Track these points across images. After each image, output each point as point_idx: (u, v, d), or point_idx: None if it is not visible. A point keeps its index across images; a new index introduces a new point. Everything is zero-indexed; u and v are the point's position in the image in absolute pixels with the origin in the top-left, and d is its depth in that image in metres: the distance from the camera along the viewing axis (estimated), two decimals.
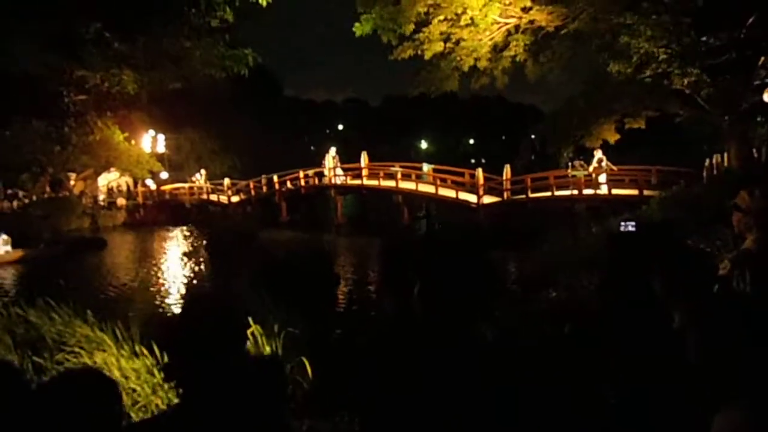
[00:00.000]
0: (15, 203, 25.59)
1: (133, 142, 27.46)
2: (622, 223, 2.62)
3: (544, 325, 4.40)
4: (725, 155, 13.80)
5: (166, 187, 31.28)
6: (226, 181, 28.90)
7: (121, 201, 29.56)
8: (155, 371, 5.24)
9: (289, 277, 10.44)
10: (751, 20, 3.16)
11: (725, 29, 4.11)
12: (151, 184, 30.88)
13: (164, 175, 30.92)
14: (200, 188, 30.16)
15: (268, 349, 5.68)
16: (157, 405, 4.80)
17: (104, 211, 28.30)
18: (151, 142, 30.62)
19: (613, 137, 14.00)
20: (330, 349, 6.38)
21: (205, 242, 19.25)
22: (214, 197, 29.34)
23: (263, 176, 26.73)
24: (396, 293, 2.02)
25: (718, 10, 3.06)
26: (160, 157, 30.24)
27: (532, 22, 13.14)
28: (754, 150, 12.49)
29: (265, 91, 41.60)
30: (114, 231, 25.98)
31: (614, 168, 17.57)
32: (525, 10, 12.76)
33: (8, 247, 17.94)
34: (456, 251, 1.62)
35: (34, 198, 25.76)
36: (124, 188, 30.66)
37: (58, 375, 1.55)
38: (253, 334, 5.65)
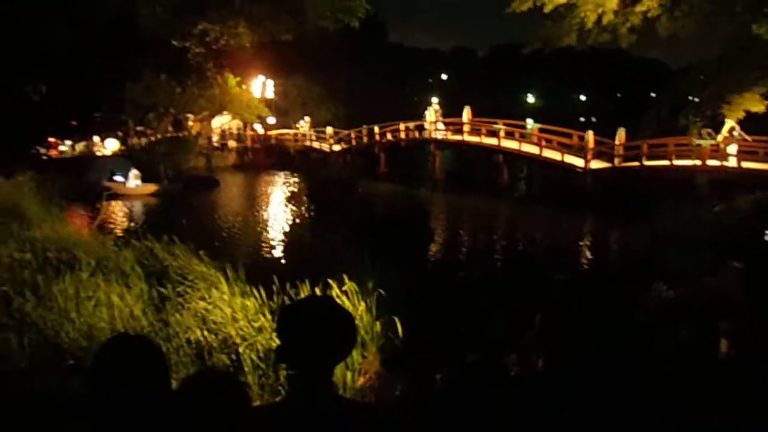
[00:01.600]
0: (143, 140, 28.03)
1: (244, 86, 28.66)
2: (767, 232, 2.34)
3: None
4: None
5: (273, 132, 32.60)
6: (329, 129, 29.54)
7: (232, 143, 31.33)
8: (261, 312, 5.67)
9: (386, 232, 10.67)
10: None
11: None
12: (259, 128, 32.33)
13: (271, 120, 32.16)
14: (304, 135, 31.14)
15: (363, 306, 5.90)
16: (262, 344, 5.20)
17: (217, 152, 30.16)
18: (261, 87, 31.78)
19: (757, 107, 12.33)
20: (421, 309, 6.52)
21: (307, 189, 20.10)
22: (316, 145, 30.22)
23: (364, 126, 27.00)
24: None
25: None
26: (268, 103, 31.38)
27: None
28: None
29: (369, 38, 41.31)
30: (225, 171, 27.72)
31: (748, 138, 15.66)
32: None
33: (139, 182, 19.89)
34: None
35: (159, 136, 27.97)
36: (235, 131, 32.37)
37: (198, 374, 1.70)
38: (347, 291, 5.90)
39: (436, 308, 6.67)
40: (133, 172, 19.81)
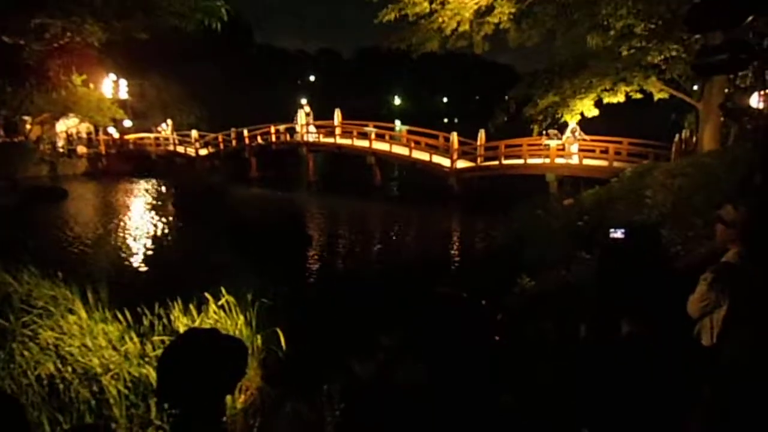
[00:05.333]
0: None
1: (92, 86, 26.01)
2: (612, 230, 2.64)
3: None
4: (693, 133, 14.11)
5: (130, 137, 30.13)
6: (194, 132, 28.02)
7: (81, 149, 28.39)
8: (127, 337, 5.18)
9: (262, 240, 10.38)
10: (748, 21, 3.15)
11: (721, 29, 4.11)
12: (114, 132, 29.68)
13: (127, 123, 29.70)
14: (166, 139, 29.18)
15: (242, 319, 5.66)
16: (129, 372, 4.75)
17: (63, 159, 27.19)
18: (113, 87, 29.18)
19: (590, 112, 14.07)
20: (304, 319, 6.42)
21: (172, 197, 18.82)
22: (180, 149, 28.48)
23: (233, 130, 26.03)
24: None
25: (714, 8, 3.03)
26: (122, 104, 28.91)
27: None
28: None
29: (234, 38, 39.85)
30: (75, 180, 25.07)
31: (586, 138, 17.75)
32: None
33: None
34: None
35: None
36: (85, 135, 29.37)
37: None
38: (224, 305, 5.63)
39: (318, 316, 6.62)
40: None
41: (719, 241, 2.75)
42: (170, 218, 16.77)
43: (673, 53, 12.14)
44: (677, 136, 15.51)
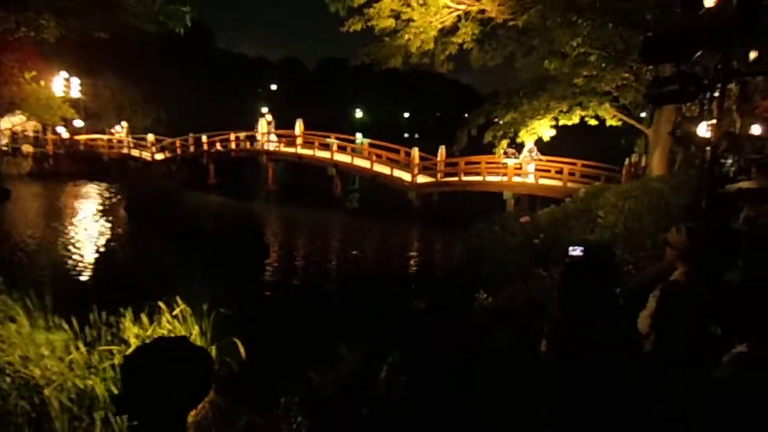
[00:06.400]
0: None
1: (42, 83, 24.92)
2: (570, 248, 2.74)
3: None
4: (642, 157, 14.79)
5: (81, 137, 29.03)
6: (150, 136, 27.27)
7: (27, 148, 27.13)
8: (72, 346, 4.95)
9: (219, 248, 10.14)
10: (697, 56, 3.39)
11: (671, 61, 4.42)
12: (64, 132, 28.51)
13: (79, 123, 28.59)
14: (121, 141, 28.30)
15: (197, 329, 5.51)
16: (74, 384, 4.54)
17: (8, 158, 25.91)
18: (64, 85, 28.07)
19: (548, 133, 14.57)
20: (261, 329, 6.30)
21: (125, 201, 18.16)
22: (135, 152, 27.65)
23: (191, 135, 25.49)
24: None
25: (666, 42, 3.24)
26: (74, 103, 27.79)
27: (482, 11, 13.25)
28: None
29: (196, 41, 39.09)
30: (19, 180, 23.88)
31: (542, 158, 18.32)
32: None
33: None
34: None
35: None
36: (31, 134, 28.08)
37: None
38: (178, 315, 5.47)
39: (276, 327, 6.51)
40: None
41: (667, 262, 2.91)
42: (122, 224, 16.18)
43: (625, 81, 12.75)
44: (627, 159, 16.22)
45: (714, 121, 3.79)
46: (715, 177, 3.85)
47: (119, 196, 20.35)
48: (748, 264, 2.83)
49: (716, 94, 3.81)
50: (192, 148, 25.52)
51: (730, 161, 5.35)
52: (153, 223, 14.34)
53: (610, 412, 1.68)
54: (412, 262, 13.55)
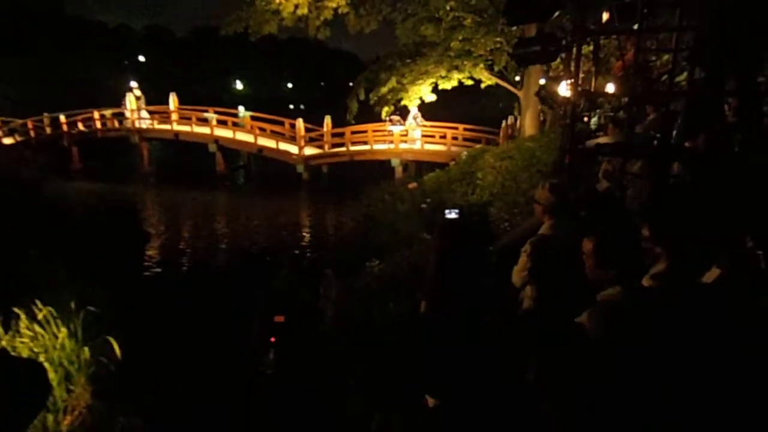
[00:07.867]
0: None
1: None
2: (446, 211, 2.75)
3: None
4: (518, 119, 15.66)
5: None
6: None
7: None
8: None
9: (88, 240, 9.20)
10: (556, 17, 3.55)
11: (532, 22, 4.63)
12: None
13: None
14: None
15: (64, 331, 4.97)
16: None
17: None
18: None
19: (429, 97, 14.84)
20: (140, 325, 5.83)
21: None
22: None
23: (45, 115, 22.70)
24: None
25: (526, 2, 3.34)
26: None
27: None
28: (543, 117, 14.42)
29: (39, 8, 34.52)
30: None
31: (426, 124, 18.72)
32: None
33: None
34: None
35: None
36: None
37: None
38: (41, 319, 4.89)
39: (156, 320, 6.05)
40: None
41: (535, 217, 3.05)
42: None
43: (499, 45, 13.29)
44: (504, 122, 17.09)
45: (572, 81, 4.00)
46: (575, 134, 4.08)
47: None
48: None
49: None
50: (48, 130, 22.78)
51: (592, 119, 5.76)
52: (6, 217, 12.66)
53: (485, 370, 1.70)
54: (303, 234, 13.34)
